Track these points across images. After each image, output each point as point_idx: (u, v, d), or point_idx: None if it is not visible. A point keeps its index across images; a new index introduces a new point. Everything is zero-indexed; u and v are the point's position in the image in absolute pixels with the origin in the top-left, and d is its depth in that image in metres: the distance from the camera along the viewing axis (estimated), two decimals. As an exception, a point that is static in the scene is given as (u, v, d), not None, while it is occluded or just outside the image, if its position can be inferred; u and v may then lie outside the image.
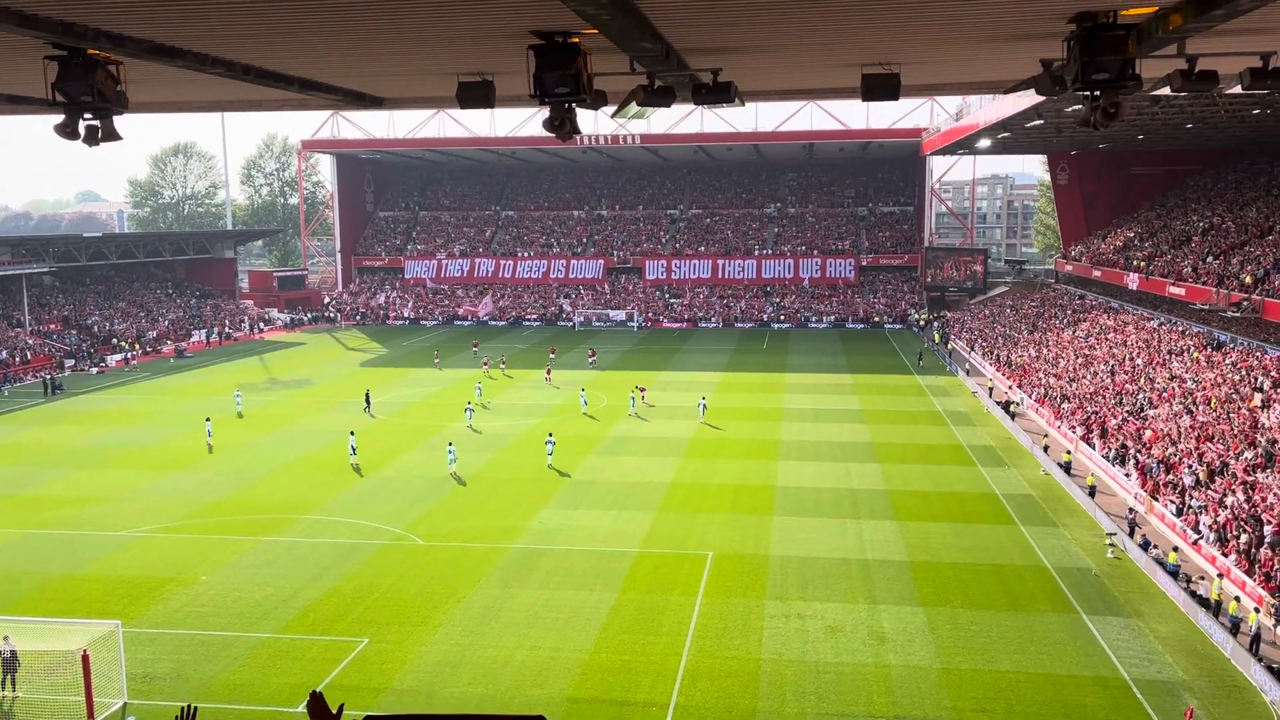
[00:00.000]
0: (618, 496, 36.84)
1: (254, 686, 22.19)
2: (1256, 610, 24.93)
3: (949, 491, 37.48)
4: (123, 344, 76.58)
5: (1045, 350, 61.06)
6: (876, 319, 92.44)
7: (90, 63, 11.51)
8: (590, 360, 69.92)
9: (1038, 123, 55.51)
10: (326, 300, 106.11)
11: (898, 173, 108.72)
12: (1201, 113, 50.45)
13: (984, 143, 71.55)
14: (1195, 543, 30.61)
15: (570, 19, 10.48)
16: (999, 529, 33.10)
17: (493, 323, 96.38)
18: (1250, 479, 32.08)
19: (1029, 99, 46.07)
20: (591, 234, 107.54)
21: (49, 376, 62.73)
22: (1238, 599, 25.65)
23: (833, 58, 14.69)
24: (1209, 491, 32.57)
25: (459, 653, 23.75)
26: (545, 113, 12.27)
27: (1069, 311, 70.36)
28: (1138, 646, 24.07)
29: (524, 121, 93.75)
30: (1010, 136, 66.07)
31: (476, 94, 13.46)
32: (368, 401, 53.70)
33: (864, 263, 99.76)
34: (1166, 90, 13.06)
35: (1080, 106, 12.04)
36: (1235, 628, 24.46)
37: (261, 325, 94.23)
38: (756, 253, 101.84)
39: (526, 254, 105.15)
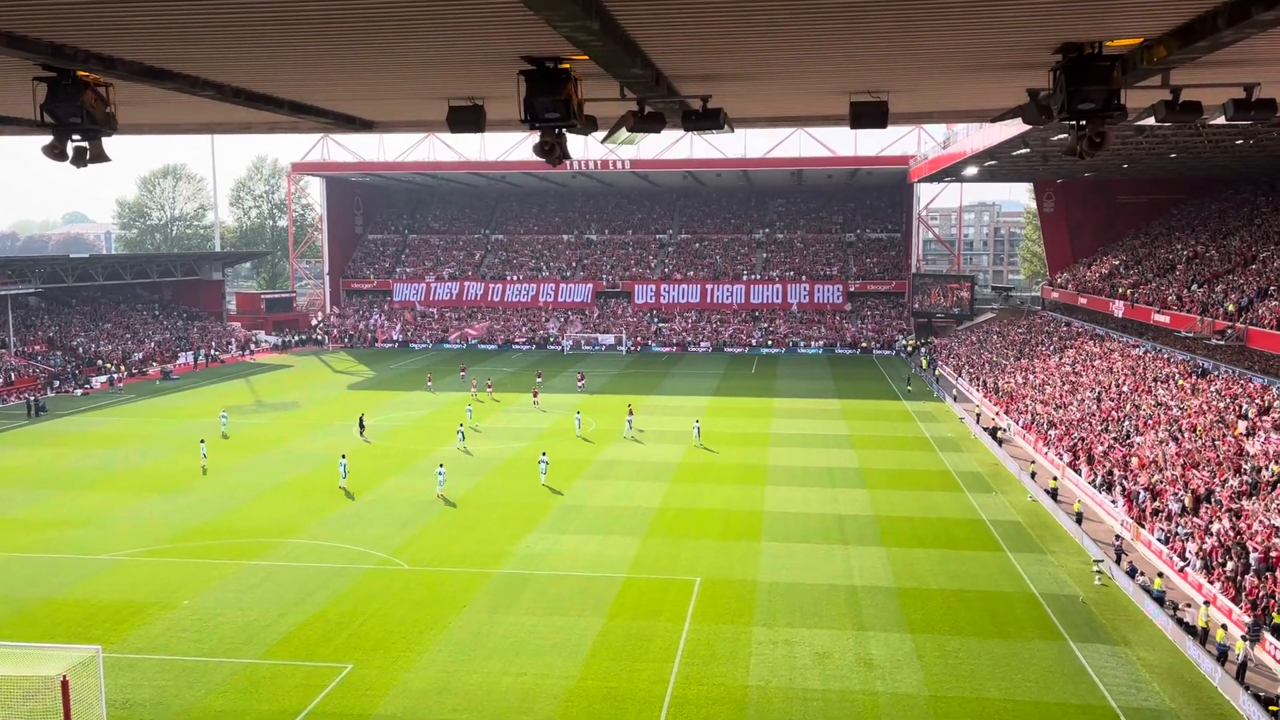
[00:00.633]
0: (605, 521, 36.69)
1: (236, 713, 21.91)
2: (1244, 638, 24.94)
3: (936, 517, 37.46)
4: (107, 365, 76.17)
5: (1032, 376, 61.29)
6: (865, 344, 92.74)
7: (79, 84, 11.50)
8: (579, 384, 69.88)
9: (1024, 151, 55.99)
10: (314, 323, 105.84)
11: (885, 200, 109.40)
12: (1185, 143, 50.97)
13: (971, 170, 72.10)
14: (1182, 570, 30.64)
15: (561, 45, 10.55)
16: (986, 555, 33.07)
17: (482, 346, 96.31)
18: (1235, 506, 32.17)
19: (1015, 128, 46.53)
20: (581, 258, 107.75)
21: (32, 398, 62.27)
22: (1224, 626, 25.66)
23: (821, 85, 14.80)
24: (1195, 518, 32.64)
25: (444, 679, 23.53)
26: (536, 137, 12.31)
27: (1055, 338, 70.71)
28: (1125, 675, 24.02)
29: (514, 145, 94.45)
30: (997, 164, 66.61)
31: (467, 118, 13.51)
32: (361, 426, 53.07)
33: (852, 288, 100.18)
34: (1151, 120, 13.21)
35: (1066, 136, 12.17)
36: (1223, 655, 24.45)
37: (252, 347, 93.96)
38: (745, 278, 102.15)
39: (516, 277, 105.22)
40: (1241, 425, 38.90)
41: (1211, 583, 28.73)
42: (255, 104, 14.87)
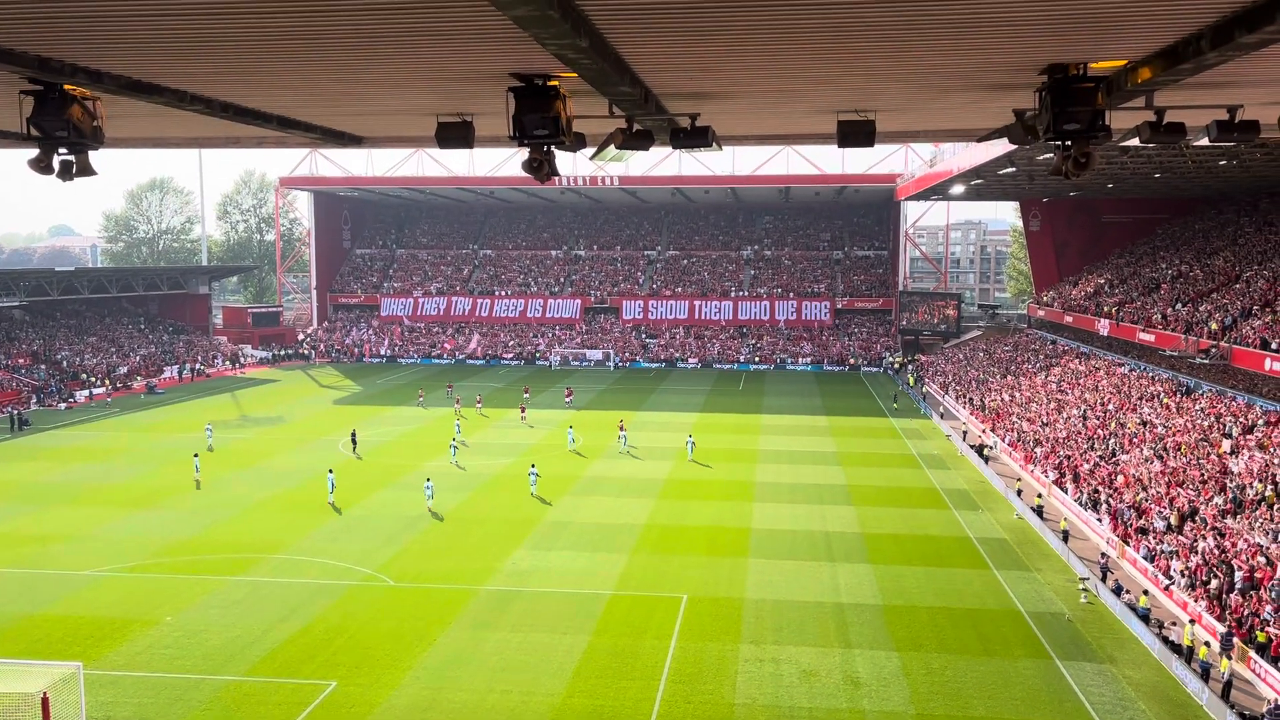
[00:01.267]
0: (592, 537, 36.58)
1: (218, 731, 21.70)
2: (1229, 657, 24.99)
3: (923, 535, 37.48)
4: (92, 379, 75.70)
5: (1018, 394, 61.52)
6: (852, 361, 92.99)
7: (66, 98, 11.46)
8: (567, 399, 69.80)
9: (1010, 170, 56.38)
10: (301, 337, 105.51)
11: (872, 217, 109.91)
12: (1170, 163, 51.42)
13: (957, 189, 72.53)
14: (1167, 588, 30.72)
15: (550, 62, 10.57)
16: (973, 573, 33.09)
17: (470, 361, 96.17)
18: (1220, 524, 32.31)
19: (1002, 147, 46.85)
20: (569, 274, 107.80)
21: (15, 412, 61.79)
22: (1208, 644, 25.72)
23: (810, 104, 14.87)
24: (1180, 536, 32.76)
25: (429, 696, 23.37)
26: (525, 153, 12.32)
27: (1041, 356, 71.04)
28: (1111, 693, 24.03)
29: (503, 161, 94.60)
30: (983, 183, 67.04)
31: (456, 134, 13.52)
32: (354, 441, 52.45)
33: (839, 305, 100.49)
34: (1136, 141, 13.32)
35: (1052, 155, 12.26)
36: (1205, 673, 24.50)
37: (241, 361, 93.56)
38: (733, 294, 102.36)
39: (504, 293, 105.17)
40: (1226, 444, 39.12)
41: (1196, 600, 28.81)
42: (243, 119, 14.85)
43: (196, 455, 47.15)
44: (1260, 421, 39.98)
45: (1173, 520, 33.96)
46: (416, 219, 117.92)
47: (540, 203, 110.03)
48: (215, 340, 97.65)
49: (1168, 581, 30.85)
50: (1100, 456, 43.66)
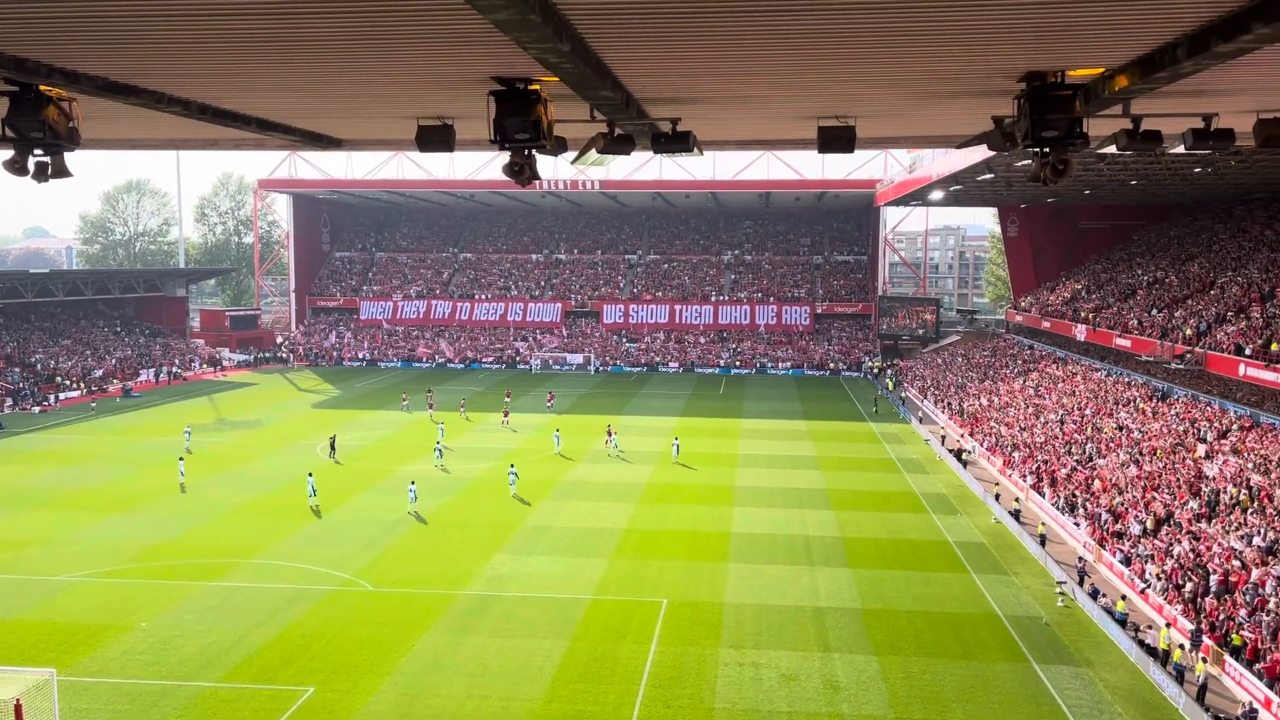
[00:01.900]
0: (572, 542, 36.51)
1: (193, 738, 21.51)
2: (1204, 660, 25.22)
3: (902, 539, 37.63)
4: (67, 382, 74.95)
5: (996, 399, 61.90)
6: (832, 366, 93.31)
7: (42, 99, 11.35)
8: (549, 404, 69.69)
9: (988, 176, 56.75)
10: (279, 340, 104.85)
11: (852, 223, 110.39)
12: (1146, 170, 51.89)
13: (936, 195, 72.94)
14: (1143, 591, 30.97)
15: (532, 66, 10.56)
16: (951, 577, 33.24)
17: (450, 365, 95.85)
18: (1195, 528, 32.60)
19: (980, 153, 47.21)
20: (549, 277, 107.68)
21: (-11, 414, 61.09)
22: (1183, 646, 25.94)
23: (790, 110, 14.92)
24: (1156, 540, 33.03)
25: (407, 702, 23.25)
26: (505, 157, 12.29)
27: (1019, 361, 71.52)
28: (1088, 696, 24.19)
29: (483, 164, 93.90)
30: (962, 189, 67.47)
31: (436, 138, 13.47)
32: (333, 447, 51.86)
33: (819, 310, 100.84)
34: (1113, 148, 13.43)
35: (1030, 162, 12.35)
36: (1180, 675, 24.70)
37: (222, 364, 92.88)
38: (714, 299, 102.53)
39: (484, 296, 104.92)
40: (1201, 448, 39.49)
41: (1171, 604, 29.05)
42: (221, 121, 14.75)
43: (182, 459, 46.67)
44: (1234, 426, 40.39)
45: (1149, 524, 34.24)
46: (396, 222, 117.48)
47: (521, 206, 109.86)
48: (192, 343, 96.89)
49: (1144, 585, 31.10)
50: (1077, 461, 43.97)
